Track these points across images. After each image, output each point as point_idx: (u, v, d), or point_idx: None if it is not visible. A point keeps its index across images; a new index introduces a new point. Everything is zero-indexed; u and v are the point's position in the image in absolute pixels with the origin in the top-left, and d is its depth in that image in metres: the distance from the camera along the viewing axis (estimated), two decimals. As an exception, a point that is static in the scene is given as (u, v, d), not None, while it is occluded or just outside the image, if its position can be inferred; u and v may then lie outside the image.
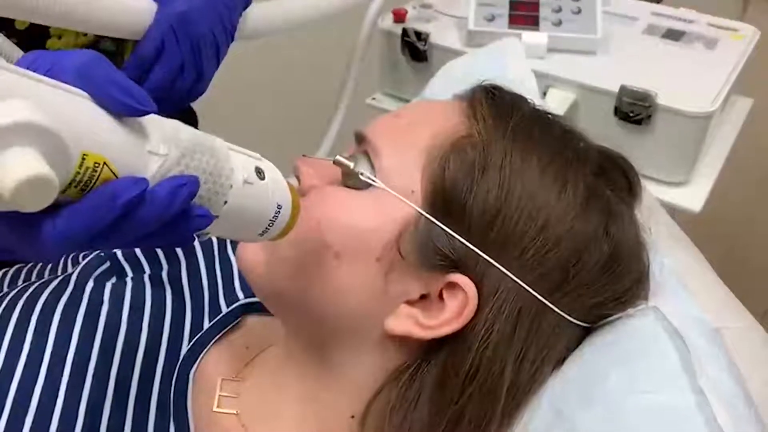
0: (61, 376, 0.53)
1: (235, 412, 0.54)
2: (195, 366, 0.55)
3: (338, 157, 0.50)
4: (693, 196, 0.89)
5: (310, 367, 0.52)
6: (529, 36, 0.95)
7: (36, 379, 0.52)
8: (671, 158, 0.89)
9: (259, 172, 0.41)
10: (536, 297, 0.47)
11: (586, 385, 0.47)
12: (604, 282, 0.50)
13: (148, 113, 0.33)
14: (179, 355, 0.56)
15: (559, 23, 0.97)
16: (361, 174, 0.49)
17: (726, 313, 0.59)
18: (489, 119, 0.49)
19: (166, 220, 0.34)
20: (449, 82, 0.84)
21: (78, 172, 0.31)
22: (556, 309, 0.48)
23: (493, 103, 0.51)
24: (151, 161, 0.34)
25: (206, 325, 0.59)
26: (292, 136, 1.21)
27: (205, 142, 0.37)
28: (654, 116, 0.86)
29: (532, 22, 0.97)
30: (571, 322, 0.50)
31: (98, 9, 0.57)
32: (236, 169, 0.39)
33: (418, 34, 1.01)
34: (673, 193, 0.88)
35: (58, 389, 0.52)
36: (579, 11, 0.98)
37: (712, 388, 0.45)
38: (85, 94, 0.32)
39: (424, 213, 0.47)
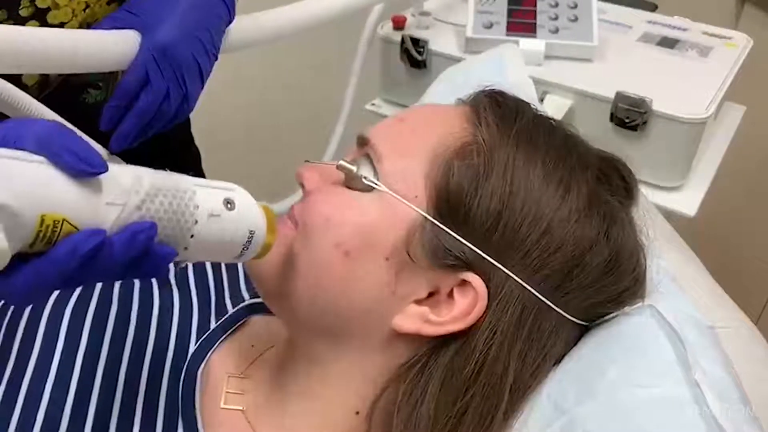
0: (71, 375, 0.54)
1: (241, 408, 0.54)
2: (203, 364, 0.56)
3: (341, 162, 0.51)
4: (688, 201, 0.90)
5: (315, 363, 0.53)
6: (526, 43, 0.97)
7: (46, 379, 0.53)
8: (666, 163, 0.90)
9: (228, 203, 0.45)
10: (539, 297, 0.49)
11: (585, 380, 0.49)
12: (603, 283, 0.51)
13: (99, 174, 0.37)
14: (187, 354, 0.57)
15: (556, 31, 0.98)
16: (365, 178, 0.50)
17: (720, 312, 0.61)
18: (493, 125, 0.50)
19: (128, 263, 0.38)
20: (448, 88, 0.85)
21: (39, 231, 0.36)
22: (557, 309, 0.50)
23: (497, 109, 0.52)
24: (109, 212, 0.38)
25: (213, 325, 0.60)
26: (294, 143, 1.22)
27: (168, 184, 0.41)
28: (649, 122, 0.88)
29: (530, 30, 0.99)
30: (571, 320, 0.51)
31: (83, 48, 0.59)
32: (201, 204, 0.43)
33: (416, 42, 1.02)
34: (668, 198, 0.90)
35: (68, 389, 0.53)
36: (576, 19, 0.99)
37: (707, 382, 0.46)
38: (45, 160, 0.36)
39: (429, 217, 0.48)
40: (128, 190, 0.39)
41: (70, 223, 0.37)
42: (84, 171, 0.37)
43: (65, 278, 0.37)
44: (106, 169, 0.38)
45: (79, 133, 0.62)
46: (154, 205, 0.40)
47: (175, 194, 0.41)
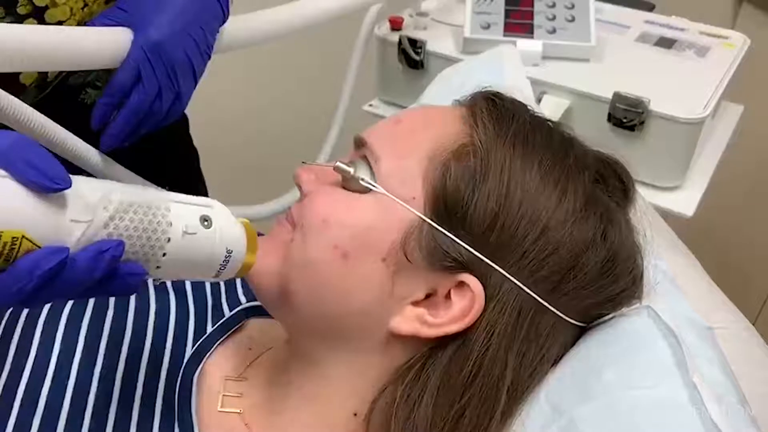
0: (68, 379, 0.53)
1: (238, 411, 0.54)
2: (199, 368, 0.56)
3: (338, 163, 0.51)
4: (685, 201, 0.90)
5: (313, 365, 0.53)
6: (524, 43, 0.97)
7: (43, 383, 0.53)
8: (664, 164, 0.90)
9: (205, 221, 0.44)
10: (536, 299, 0.49)
11: (583, 381, 0.49)
12: (600, 284, 0.51)
13: (62, 190, 0.36)
14: (183, 358, 0.57)
15: (553, 31, 0.98)
16: (362, 179, 0.50)
17: (718, 313, 0.61)
18: (489, 126, 0.50)
19: (92, 282, 0.37)
20: (446, 89, 0.85)
21: None
22: (554, 310, 0.50)
23: (493, 110, 0.52)
24: (73, 229, 0.37)
25: (210, 328, 0.60)
26: (292, 143, 1.22)
27: (140, 200, 0.40)
28: (647, 122, 0.88)
29: (527, 30, 0.99)
30: (568, 321, 0.51)
31: (74, 44, 0.58)
32: (175, 221, 0.42)
33: (413, 42, 1.02)
34: (665, 198, 0.90)
35: (65, 392, 0.53)
36: (573, 19, 0.99)
37: (705, 384, 0.46)
38: (6, 174, 0.35)
39: (426, 219, 0.48)
40: (95, 206, 0.38)
41: (30, 240, 0.35)
42: (46, 186, 0.36)
43: (25, 297, 0.36)
44: (70, 185, 0.37)
45: (72, 139, 0.62)
46: (124, 222, 0.39)
47: (147, 211, 0.40)
